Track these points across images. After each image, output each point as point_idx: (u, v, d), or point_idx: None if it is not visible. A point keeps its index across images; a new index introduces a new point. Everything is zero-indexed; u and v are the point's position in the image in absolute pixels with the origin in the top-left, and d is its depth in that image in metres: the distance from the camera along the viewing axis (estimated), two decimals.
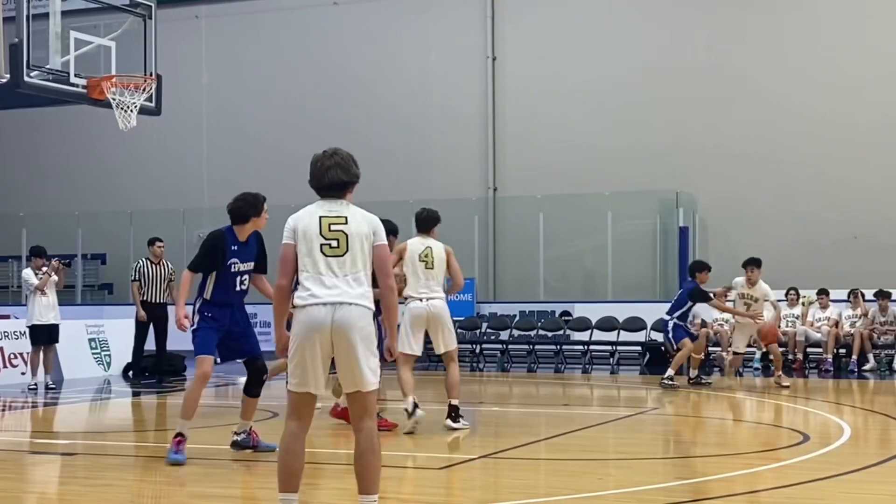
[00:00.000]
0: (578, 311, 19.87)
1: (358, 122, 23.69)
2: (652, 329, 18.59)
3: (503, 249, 22.85)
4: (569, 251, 22.00)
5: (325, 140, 25.60)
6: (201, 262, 8.36)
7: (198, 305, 8.46)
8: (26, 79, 12.08)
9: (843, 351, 18.12)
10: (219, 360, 8.49)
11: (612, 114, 22.12)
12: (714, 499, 6.68)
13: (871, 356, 17.74)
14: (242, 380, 8.87)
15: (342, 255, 5.41)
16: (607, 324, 18.82)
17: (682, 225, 21.14)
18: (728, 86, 21.45)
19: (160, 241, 15.87)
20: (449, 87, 23.29)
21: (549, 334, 19.50)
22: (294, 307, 5.48)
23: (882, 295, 17.78)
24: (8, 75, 12.08)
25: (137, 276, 15.59)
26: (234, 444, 8.55)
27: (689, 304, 14.74)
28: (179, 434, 8.17)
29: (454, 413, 10.10)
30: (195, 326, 8.38)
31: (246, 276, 8.48)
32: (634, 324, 18.78)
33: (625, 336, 18.58)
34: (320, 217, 5.51)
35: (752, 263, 14.79)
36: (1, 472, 8.29)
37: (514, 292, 22.24)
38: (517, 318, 20.45)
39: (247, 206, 8.41)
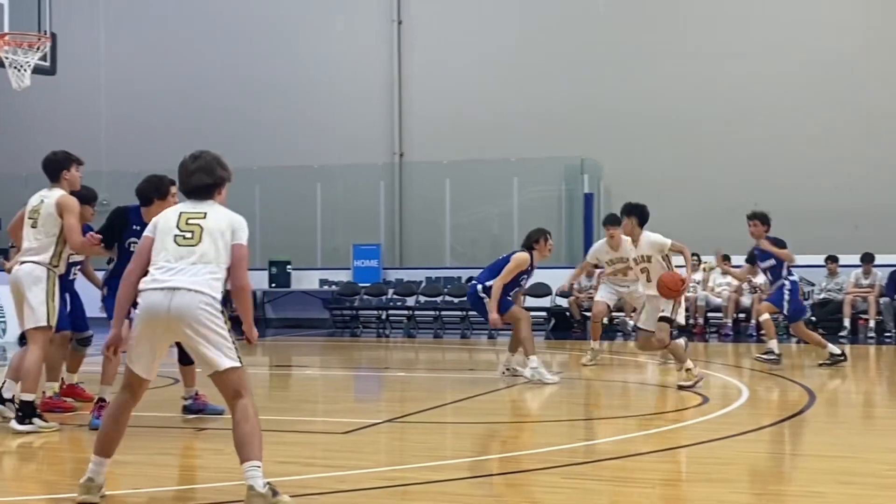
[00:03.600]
0: None
1: (262, 85, 23.35)
2: (557, 295, 18.75)
3: (409, 215, 22.79)
4: (475, 217, 22.03)
5: (228, 104, 25.15)
6: (103, 235, 8.22)
7: (104, 277, 8.46)
8: None
9: (742, 315, 18.51)
10: None
11: (519, 79, 22.14)
12: (616, 458, 6.75)
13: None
14: None
15: (194, 246, 5.50)
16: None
17: (587, 192, 21.31)
18: (634, 53, 21.61)
19: None
20: (354, 51, 23.06)
21: (456, 300, 19.54)
22: (138, 292, 5.52)
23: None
24: None
25: None
26: (185, 410, 8.63)
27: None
28: (102, 399, 8.02)
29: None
30: (105, 296, 8.32)
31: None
32: (540, 289, 18.91)
33: (530, 302, 18.70)
34: (181, 212, 5.64)
35: (609, 222, 12.50)
36: None
37: (420, 258, 22.22)
38: (423, 284, 20.45)
39: (150, 188, 8.13)
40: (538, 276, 19.07)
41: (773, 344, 12.46)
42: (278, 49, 23.38)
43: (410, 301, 19.95)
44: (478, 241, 22.08)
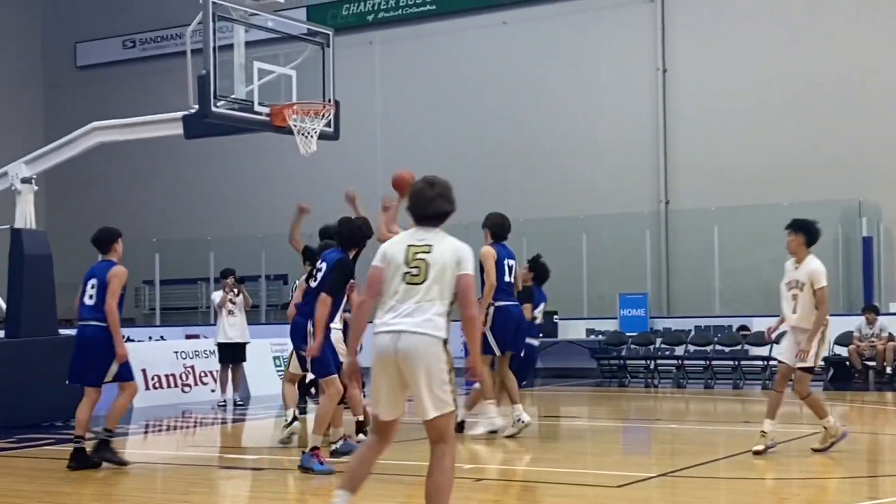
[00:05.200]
0: (757, 325, 19.42)
1: (528, 139, 23.84)
2: (836, 343, 18.01)
3: (676, 263, 22.54)
4: (745, 263, 21.52)
5: (497, 157, 25.97)
6: (340, 287, 8.84)
7: (311, 325, 8.91)
8: (213, 108, 12.59)
9: None
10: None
11: (789, 122, 21.57)
12: None
13: None
14: None
15: (419, 284, 5.49)
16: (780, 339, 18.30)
17: (865, 235, 20.41)
18: None
19: None
20: (619, 100, 23.18)
21: (727, 349, 19.10)
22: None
23: None
24: (196, 105, 12.64)
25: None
26: (333, 454, 9.18)
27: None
28: (316, 447, 8.67)
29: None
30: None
31: None
32: None
33: None
34: (408, 245, 5.59)
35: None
36: (193, 486, 8.72)
37: (688, 307, 21.90)
38: (692, 332, 20.13)
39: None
40: None
41: None
42: (545, 103, 23.82)
43: (679, 350, 19.68)
44: (749, 288, 21.53)
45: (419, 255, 5.51)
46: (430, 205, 5.62)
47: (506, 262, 11.01)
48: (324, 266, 8.97)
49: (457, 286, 5.49)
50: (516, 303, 11.10)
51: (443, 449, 5.45)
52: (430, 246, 5.54)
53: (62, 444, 10.76)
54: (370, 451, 5.70)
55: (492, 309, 10.72)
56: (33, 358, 12.55)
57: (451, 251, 5.53)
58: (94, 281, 9.34)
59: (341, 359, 8.91)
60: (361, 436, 9.92)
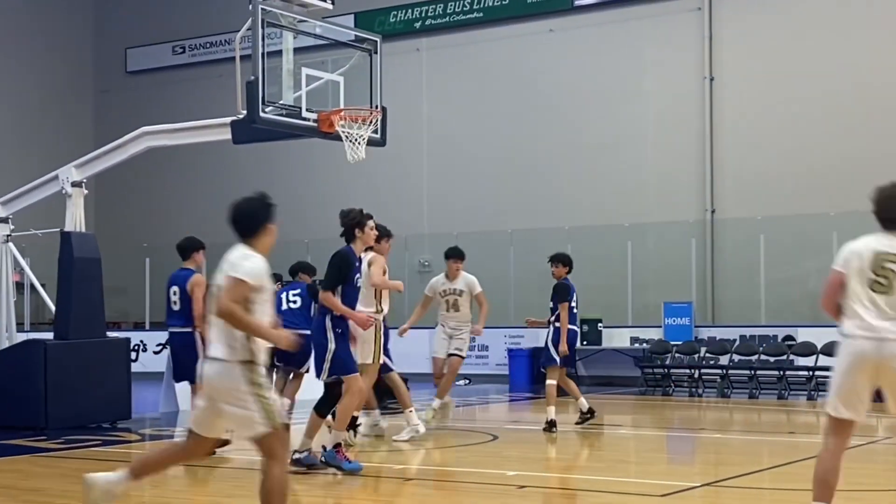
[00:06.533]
0: (802, 335, 19.24)
1: (574, 147, 23.80)
2: None
3: (721, 272, 22.38)
4: (791, 273, 21.32)
5: (542, 165, 25.82)
6: (336, 281, 8.84)
7: (329, 322, 8.87)
8: (262, 114, 12.66)
9: None
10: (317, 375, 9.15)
11: (837, 130, 21.36)
12: None
13: None
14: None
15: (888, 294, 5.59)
16: (834, 349, 18.09)
17: None
18: None
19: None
20: (666, 108, 23.08)
21: (772, 359, 18.93)
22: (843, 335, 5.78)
23: None
24: (245, 111, 12.74)
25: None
26: (295, 462, 8.69)
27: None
28: (339, 444, 8.78)
29: None
30: (333, 346, 8.82)
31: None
32: None
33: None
34: (875, 251, 5.72)
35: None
36: (238, 489, 8.78)
37: (733, 316, 21.74)
38: (737, 342, 19.97)
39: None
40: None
41: None
42: (591, 111, 23.77)
43: (724, 359, 19.53)
44: (795, 297, 21.34)
45: (888, 265, 5.68)
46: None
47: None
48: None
49: None
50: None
51: None
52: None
53: (109, 445, 10.90)
54: (830, 457, 5.84)
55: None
56: (81, 360, 12.71)
57: None
58: (175, 288, 9.78)
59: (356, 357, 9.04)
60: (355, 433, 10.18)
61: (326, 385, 9.00)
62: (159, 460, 6.14)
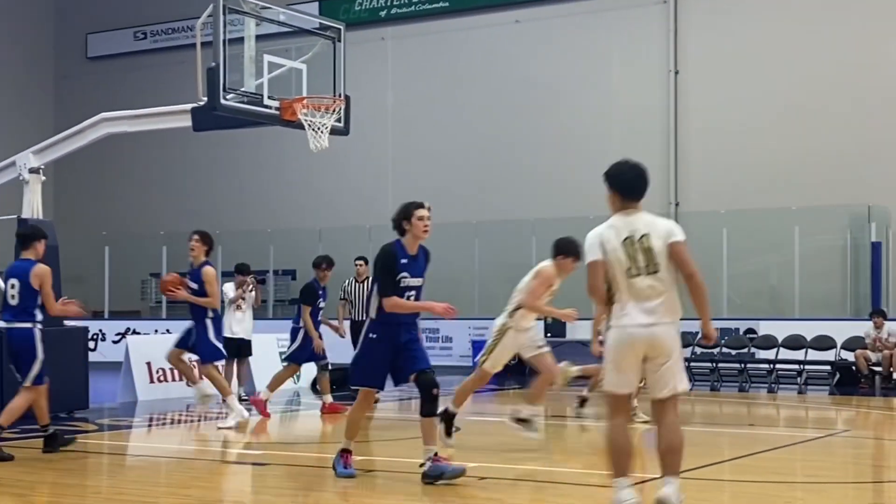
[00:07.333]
0: (764, 328, 19.36)
1: (538, 138, 23.81)
2: (842, 348, 17.94)
3: None
4: (753, 267, 21.45)
5: (506, 155, 25.88)
6: (387, 283, 7.94)
7: (366, 326, 8.11)
8: (222, 101, 12.54)
9: None
10: (394, 383, 8.27)
11: (799, 126, 21.51)
12: None
13: None
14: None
15: None
16: (794, 342, 18.25)
17: (874, 240, 20.33)
18: None
19: (362, 259, 15.70)
20: (630, 101, 23.12)
21: (734, 352, 19.03)
22: None
23: None
24: (205, 98, 12.60)
25: (345, 296, 15.44)
26: (424, 477, 7.89)
27: None
28: (345, 450, 8.22)
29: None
30: (359, 351, 8.15)
31: (413, 293, 8.09)
32: (823, 342, 18.15)
33: (813, 355, 18.00)
34: None
35: None
36: (196, 480, 8.71)
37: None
38: (699, 335, 20.06)
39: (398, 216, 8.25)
40: (820, 329, 18.36)
41: None
42: (556, 102, 23.78)
43: (686, 352, 19.62)
44: (757, 291, 21.46)
45: None
46: None
47: None
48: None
49: None
50: None
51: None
52: None
53: (65, 435, 10.73)
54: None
55: None
56: None
57: None
58: (13, 281, 9.26)
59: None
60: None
61: (417, 384, 7.99)
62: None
